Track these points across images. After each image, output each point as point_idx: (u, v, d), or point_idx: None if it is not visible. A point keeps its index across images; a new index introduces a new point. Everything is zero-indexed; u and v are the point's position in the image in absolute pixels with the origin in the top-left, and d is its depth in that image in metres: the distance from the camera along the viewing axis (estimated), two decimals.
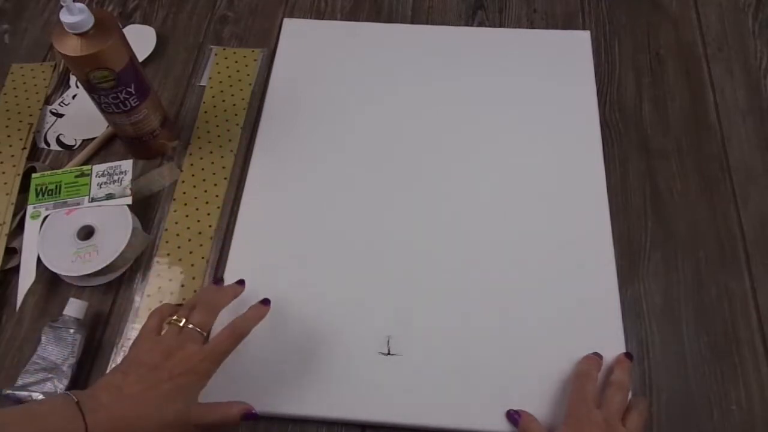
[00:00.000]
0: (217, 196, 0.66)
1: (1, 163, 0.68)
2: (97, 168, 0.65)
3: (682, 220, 0.64)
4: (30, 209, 0.62)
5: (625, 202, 0.65)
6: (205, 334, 0.49)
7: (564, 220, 0.63)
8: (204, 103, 0.73)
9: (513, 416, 0.52)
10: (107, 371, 0.57)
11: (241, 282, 0.56)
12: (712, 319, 0.58)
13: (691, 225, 0.63)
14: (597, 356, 0.54)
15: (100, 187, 0.63)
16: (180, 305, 0.53)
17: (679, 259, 0.62)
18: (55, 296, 0.61)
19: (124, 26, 0.76)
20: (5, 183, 0.66)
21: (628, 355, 0.55)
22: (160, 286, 0.61)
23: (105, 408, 0.44)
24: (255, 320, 0.51)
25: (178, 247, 0.63)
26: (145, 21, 0.80)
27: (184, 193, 0.67)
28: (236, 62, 0.76)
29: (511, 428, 0.52)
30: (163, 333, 0.50)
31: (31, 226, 0.61)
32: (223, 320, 0.51)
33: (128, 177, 0.64)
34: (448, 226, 0.63)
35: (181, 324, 0.49)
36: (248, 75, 0.75)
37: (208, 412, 0.47)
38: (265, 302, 0.53)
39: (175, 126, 0.71)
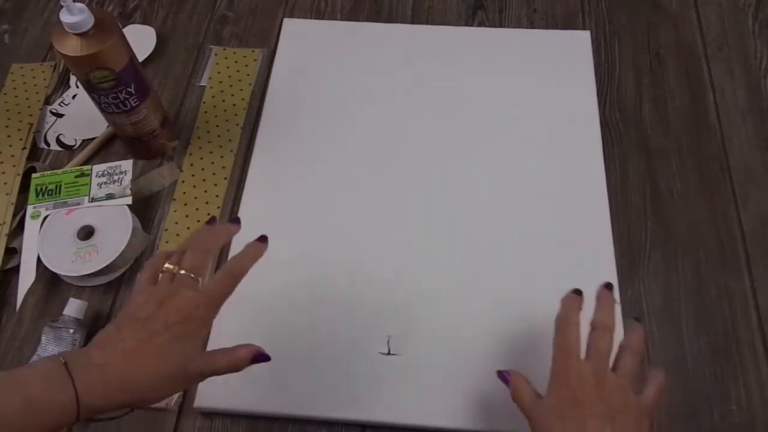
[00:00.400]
0: (217, 196, 0.66)
1: (1, 163, 0.68)
2: (97, 168, 0.65)
3: (682, 220, 0.64)
4: (30, 209, 0.62)
5: (625, 202, 0.65)
6: (199, 279, 0.45)
7: (564, 220, 0.63)
8: (204, 103, 0.73)
9: (503, 376, 0.48)
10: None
11: (235, 220, 0.51)
12: (712, 319, 0.58)
13: (691, 225, 0.63)
14: (576, 294, 0.49)
15: (100, 187, 0.63)
16: (172, 253, 0.48)
17: (679, 259, 0.62)
18: (55, 296, 0.61)
19: (124, 26, 0.76)
20: (5, 183, 0.66)
21: (608, 285, 0.49)
22: None
23: (97, 367, 0.41)
24: (252, 259, 0.47)
25: None
26: (145, 21, 0.80)
27: (184, 193, 0.67)
28: (236, 62, 0.76)
29: (512, 428, 0.52)
30: (157, 283, 0.46)
31: (31, 226, 0.61)
32: None
33: (128, 177, 0.64)
34: (448, 225, 0.63)
35: (174, 270, 0.45)
36: (248, 75, 0.75)
37: (212, 360, 0.44)
38: (263, 239, 0.48)
39: (175, 126, 0.71)
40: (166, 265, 0.45)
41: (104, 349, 0.42)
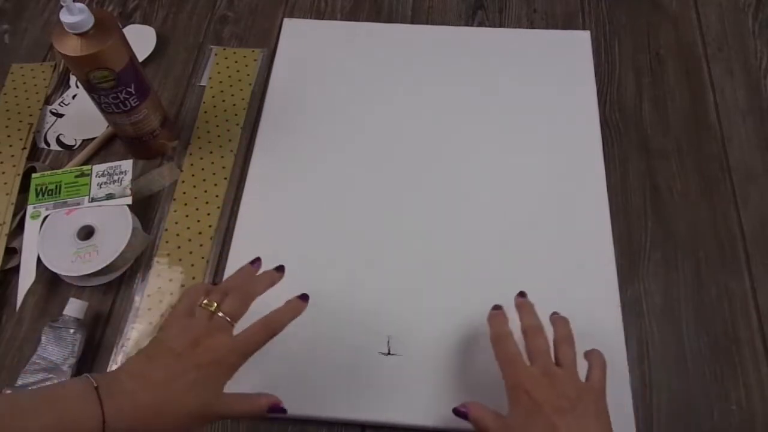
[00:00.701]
0: (217, 196, 0.66)
1: (1, 163, 0.68)
2: (97, 168, 0.65)
3: (682, 220, 0.64)
4: (30, 209, 0.62)
5: (625, 202, 0.65)
6: (234, 324, 0.47)
7: (564, 220, 0.63)
8: (204, 103, 0.73)
9: (460, 411, 0.48)
10: (128, 357, 0.55)
11: (279, 268, 0.52)
12: (712, 319, 0.58)
13: (691, 225, 0.63)
14: (498, 310, 0.52)
15: (100, 187, 0.63)
16: (214, 284, 0.50)
17: (679, 259, 0.62)
18: (55, 296, 0.61)
19: (124, 26, 0.76)
20: (5, 183, 0.66)
21: (521, 294, 0.54)
22: (160, 286, 0.61)
23: (126, 394, 0.42)
24: (290, 316, 0.48)
25: (178, 247, 0.63)
26: (145, 21, 0.80)
27: (184, 193, 0.67)
28: (236, 62, 0.76)
29: None
30: (193, 318, 0.47)
31: (31, 226, 0.61)
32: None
33: (128, 177, 0.64)
34: (448, 225, 0.63)
35: (213, 309, 0.46)
36: (248, 75, 0.75)
37: (234, 403, 0.46)
38: (304, 297, 0.50)
39: (175, 126, 0.71)
40: (206, 301, 0.47)
41: (134, 378, 0.43)
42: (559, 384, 0.46)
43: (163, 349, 0.45)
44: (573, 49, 0.75)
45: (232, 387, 0.54)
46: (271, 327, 0.47)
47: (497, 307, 0.53)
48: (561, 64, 0.73)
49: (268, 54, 0.77)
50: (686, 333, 0.58)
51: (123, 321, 0.60)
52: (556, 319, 0.51)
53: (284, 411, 0.47)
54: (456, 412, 0.48)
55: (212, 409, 0.44)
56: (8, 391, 0.53)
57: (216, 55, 0.77)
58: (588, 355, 0.50)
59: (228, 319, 0.46)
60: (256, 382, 0.55)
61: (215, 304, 0.46)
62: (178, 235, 0.64)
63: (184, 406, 0.43)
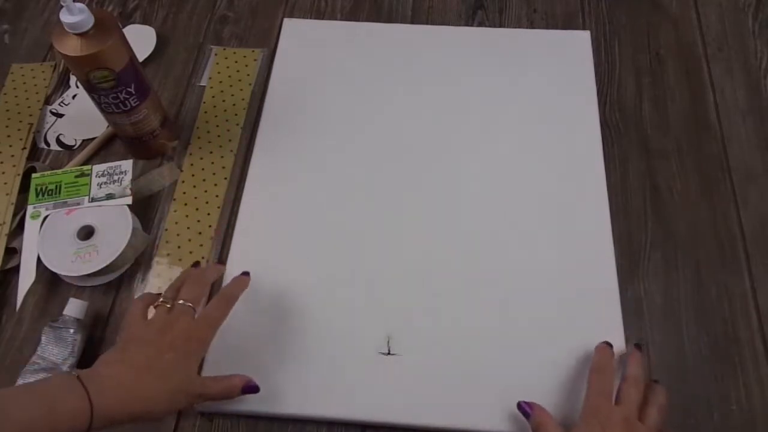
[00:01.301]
0: (217, 196, 0.66)
1: (1, 163, 0.68)
2: (97, 168, 0.65)
3: (682, 220, 0.64)
4: (30, 209, 0.62)
5: (625, 202, 0.65)
6: (195, 309, 0.50)
7: (564, 220, 0.63)
8: (204, 103, 0.73)
9: (524, 408, 0.51)
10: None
11: (219, 263, 0.58)
12: (712, 319, 0.58)
13: (691, 225, 0.63)
14: (610, 346, 0.54)
15: (100, 187, 0.63)
16: (160, 294, 0.53)
17: (679, 259, 0.62)
18: (55, 296, 0.61)
19: (124, 26, 0.76)
20: (5, 183, 0.66)
21: (638, 346, 0.54)
22: (160, 286, 0.61)
23: (108, 379, 0.44)
24: (240, 289, 0.54)
25: (178, 247, 0.63)
26: (145, 21, 0.80)
27: (184, 193, 0.67)
28: (236, 62, 0.76)
29: (513, 428, 0.52)
30: (150, 317, 0.50)
31: (31, 226, 0.61)
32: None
33: (128, 177, 0.64)
34: (447, 225, 0.63)
35: (169, 305, 0.50)
36: (248, 75, 0.75)
37: (211, 382, 0.49)
38: (245, 274, 0.57)
39: (175, 126, 0.71)
40: (161, 299, 0.50)
41: (112, 365, 0.45)
42: None
43: (134, 340, 0.47)
44: (573, 49, 0.75)
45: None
46: (227, 299, 0.52)
47: (608, 344, 0.54)
48: (561, 64, 0.73)
49: (268, 54, 0.77)
50: (686, 333, 0.58)
51: (123, 321, 0.60)
52: (657, 386, 0.52)
53: (257, 389, 0.51)
54: (520, 407, 0.51)
55: (191, 388, 0.47)
56: None
57: (216, 55, 0.77)
58: (650, 392, 0.51)
59: (189, 304, 0.49)
60: (256, 382, 0.55)
61: (171, 300, 0.50)
62: (178, 235, 0.64)
63: (165, 386, 0.45)
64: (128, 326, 0.49)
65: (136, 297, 0.53)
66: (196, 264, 0.58)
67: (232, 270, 0.61)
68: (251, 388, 0.51)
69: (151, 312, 0.51)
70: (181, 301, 0.50)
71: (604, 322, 0.57)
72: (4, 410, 0.40)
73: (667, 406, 0.50)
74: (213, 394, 0.49)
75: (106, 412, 0.42)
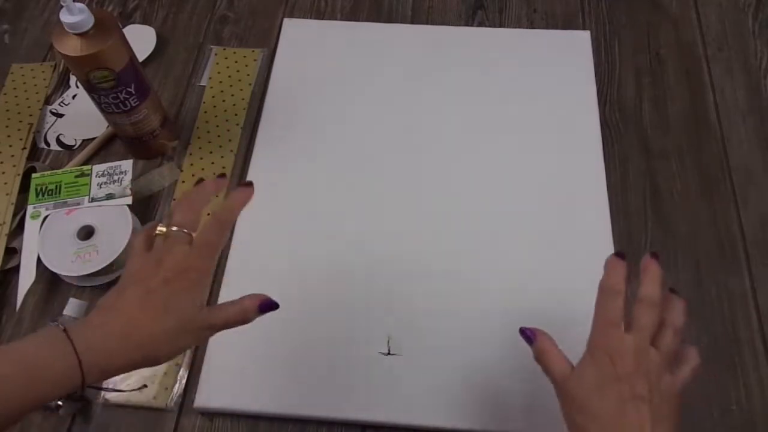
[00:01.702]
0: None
1: (1, 163, 0.68)
2: (97, 168, 0.65)
3: (682, 220, 0.64)
4: (30, 209, 0.62)
5: (625, 202, 0.65)
6: (192, 234, 0.44)
7: (564, 220, 0.63)
8: (204, 103, 0.73)
9: (527, 334, 0.45)
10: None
11: (221, 175, 0.50)
12: (712, 319, 0.58)
13: (691, 225, 0.63)
14: (621, 259, 0.46)
15: (100, 187, 0.63)
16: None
17: (679, 259, 0.62)
18: (55, 296, 0.61)
19: (124, 26, 0.76)
20: (5, 183, 0.66)
21: (653, 255, 0.46)
22: None
23: (98, 329, 0.40)
24: (239, 204, 0.46)
25: None
26: (145, 21, 0.80)
27: (184, 193, 0.66)
28: (236, 62, 0.76)
29: (513, 428, 0.52)
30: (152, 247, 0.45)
31: (31, 226, 0.61)
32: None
33: (128, 177, 0.64)
34: (448, 226, 0.63)
35: (165, 231, 0.44)
36: (248, 75, 0.75)
37: (218, 311, 0.43)
38: (248, 184, 0.47)
39: (175, 126, 0.71)
40: (159, 228, 0.44)
41: (104, 312, 0.41)
42: (647, 366, 0.41)
43: (129, 280, 0.43)
44: (573, 49, 0.74)
45: (232, 388, 0.54)
46: (224, 219, 0.45)
47: (621, 255, 0.46)
48: (561, 64, 0.73)
49: (268, 54, 0.77)
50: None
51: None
52: (676, 304, 0.45)
53: (276, 305, 0.44)
54: (523, 333, 0.46)
55: (193, 322, 0.42)
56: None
57: (216, 55, 0.77)
58: (686, 350, 0.44)
59: (184, 230, 0.44)
60: (256, 382, 0.55)
61: (167, 227, 0.44)
62: None
63: (165, 323, 0.41)
64: (128, 262, 0.44)
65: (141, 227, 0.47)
66: (200, 181, 0.50)
67: (232, 271, 0.61)
68: (268, 306, 0.44)
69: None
70: (174, 228, 0.44)
71: None
72: None
73: (683, 325, 0.44)
74: (224, 323, 0.43)
75: (100, 365, 0.39)
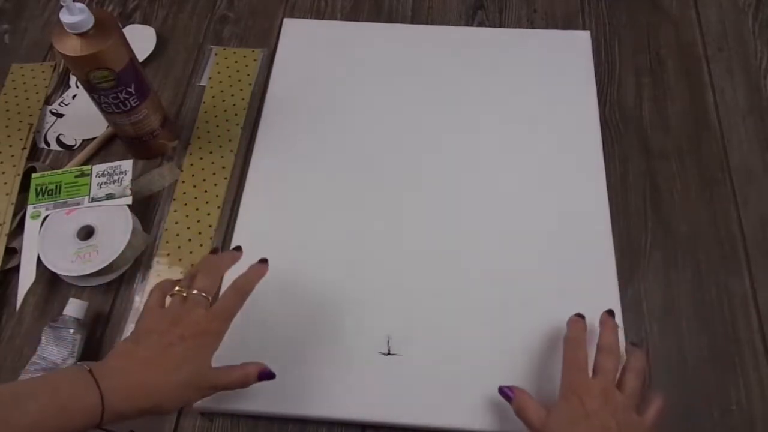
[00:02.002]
0: (217, 196, 0.66)
1: (1, 163, 0.68)
2: (97, 168, 0.65)
3: (682, 220, 0.64)
4: (30, 209, 0.62)
5: (625, 202, 0.65)
6: (210, 298, 0.48)
7: (564, 220, 0.63)
8: (204, 103, 0.73)
9: (505, 392, 0.51)
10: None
11: (238, 248, 0.54)
12: (712, 319, 0.58)
13: (691, 225, 0.63)
14: (582, 318, 0.53)
15: (100, 187, 0.63)
16: (179, 280, 0.52)
17: (679, 259, 0.62)
18: (55, 296, 0.61)
19: (124, 26, 0.76)
20: (5, 183, 0.66)
21: (610, 312, 0.54)
22: None
23: (118, 372, 0.43)
24: (256, 277, 0.51)
25: (178, 247, 0.63)
26: (145, 21, 0.80)
27: (184, 193, 0.67)
28: (236, 62, 0.76)
29: (512, 428, 0.52)
30: (167, 305, 0.49)
31: (31, 226, 0.61)
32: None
33: (128, 177, 0.64)
34: (448, 226, 0.63)
35: (185, 294, 0.48)
36: (248, 75, 0.75)
37: (224, 373, 0.48)
38: (263, 261, 0.53)
39: (175, 126, 0.71)
40: (177, 288, 0.49)
41: (123, 358, 0.45)
42: (614, 405, 0.46)
43: (145, 332, 0.46)
44: (573, 49, 0.75)
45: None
46: (242, 289, 0.50)
47: (581, 316, 0.54)
48: (561, 64, 0.73)
49: (268, 54, 0.77)
50: (686, 333, 0.58)
51: (123, 321, 0.60)
52: (634, 350, 0.51)
53: (273, 376, 0.50)
54: (501, 391, 0.51)
55: (204, 380, 0.46)
56: None
57: (216, 55, 0.77)
58: (651, 394, 0.50)
59: (203, 294, 0.48)
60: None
61: (187, 289, 0.48)
62: (178, 235, 0.64)
63: (174, 379, 0.44)
64: (144, 315, 0.48)
65: (155, 284, 0.51)
66: (215, 250, 0.56)
67: (231, 274, 0.60)
68: (266, 375, 0.49)
69: (168, 301, 0.49)
70: (195, 291, 0.48)
71: None
72: (21, 405, 0.40)
73: (645, 369, 0.50)
74: (226, 385, 0.48)
75: (117, 406, 0.42)
